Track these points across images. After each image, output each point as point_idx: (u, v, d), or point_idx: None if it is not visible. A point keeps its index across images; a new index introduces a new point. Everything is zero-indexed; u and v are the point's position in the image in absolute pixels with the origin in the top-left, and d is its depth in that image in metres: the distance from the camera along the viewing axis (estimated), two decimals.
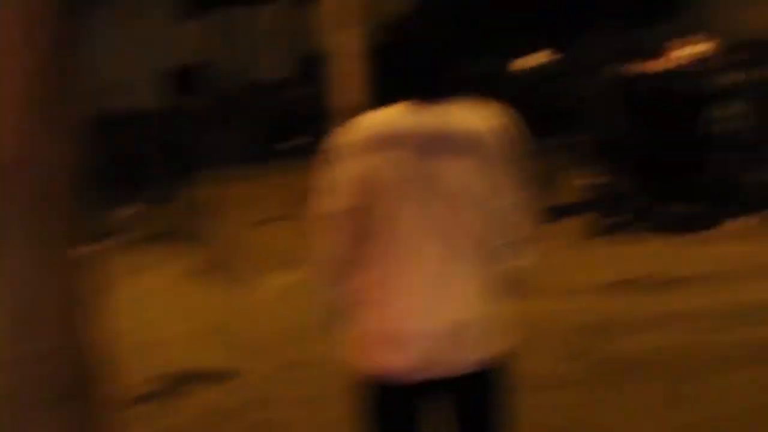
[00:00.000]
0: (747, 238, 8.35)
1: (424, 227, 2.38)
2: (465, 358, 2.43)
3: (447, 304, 2.41)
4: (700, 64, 9.72)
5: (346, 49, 9.21)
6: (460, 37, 2.46)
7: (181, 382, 5.39)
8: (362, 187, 2.41)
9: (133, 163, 13.87)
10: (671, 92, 9.30)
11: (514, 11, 21.99)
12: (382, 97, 2.46)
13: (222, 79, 18.96)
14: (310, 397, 4.89)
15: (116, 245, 9.30)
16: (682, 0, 29.69)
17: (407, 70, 2.44)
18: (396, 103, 2.44)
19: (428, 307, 2.40)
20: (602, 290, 7.04)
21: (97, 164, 2.56)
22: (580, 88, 10.84)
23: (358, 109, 4.12)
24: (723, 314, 5.93)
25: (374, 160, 2.40)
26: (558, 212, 10.06)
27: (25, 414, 2.50)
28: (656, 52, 10.30)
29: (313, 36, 12.01)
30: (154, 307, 7.36)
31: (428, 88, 2.41)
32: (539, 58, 10.28)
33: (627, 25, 23.36)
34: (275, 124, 17.22)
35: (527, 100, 10.11)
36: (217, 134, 16.85)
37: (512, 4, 22.86)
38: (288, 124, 16.85)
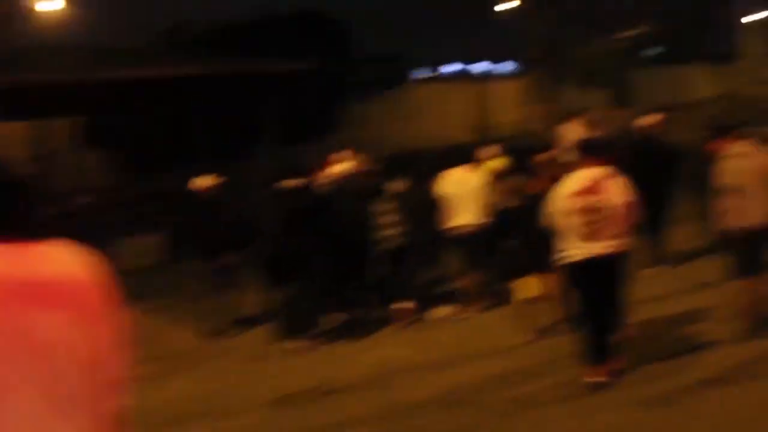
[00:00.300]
0: (410, 340, 8.88)
1: (13, 385, 2.11)
2: None
3: None
4: (355, 176, 10.33)
5: None
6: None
7: None
8: None
9: None
10: (330, 204, 9.76)
11: (185, 132, 22.32)
12: None
13: None
14: None
15: None
16: (336, 120, 32.09)
17: None
18: None
19: None
20: (271, 405, 7.09)
21: None
22: (248, 206, 11.06)
23: None
24: (381, 418, 6.22)
25: None
26: (237, 325, 10.11)
27: None
28: (314, 167, 10.84)
29: None
30: None
31: (5, 228, 2.17)
32: (209, 178, 10.32)
33: (290, 143, 24.65)
34: None
35: (202, 219, 10.14)
36: None
37: (181, 127, 23.21)
38: None
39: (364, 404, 6.76)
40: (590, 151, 7.02)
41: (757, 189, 7.43)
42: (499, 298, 9.67)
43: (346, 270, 9.76)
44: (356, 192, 9.77)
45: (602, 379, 6.73)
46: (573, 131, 13.82)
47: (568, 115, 15.27)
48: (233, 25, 31.99)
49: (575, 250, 6.82)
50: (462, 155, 10.22)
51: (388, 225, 9.67)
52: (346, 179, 9.97)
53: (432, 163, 10.11)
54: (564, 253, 6.94)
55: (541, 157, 9.63)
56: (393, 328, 9.33)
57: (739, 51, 56.49)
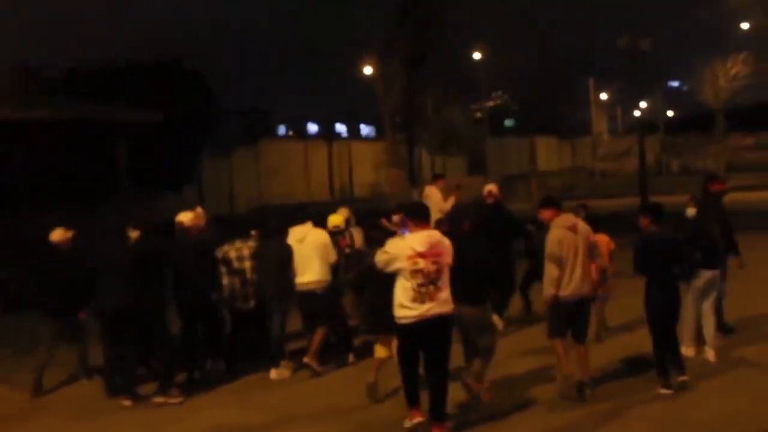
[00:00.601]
0: (242, 401, 8.83)
1: None
2: None
3: None
4: (200, 231, 10.19)
5: None
6: None
7: None
8: None
9: None
10: (170, 258, 9.54)
11: (33, 177, 21.55)
12: None
13: None
14: None
15: None
16: (195, 171, 31.77)
17: None
18: None
19: None
20: None
21: None
22: (97, 256, 10.73)
23: None
24: None
25: None
26: (77, 378, 9.76)
27: None
28: (167, 219, 10.61)
29: None
30: None
31: None
32: (63, 231, 9.94)
33: (146, 192, 24.23)
34: None
35: (55, 271, 9.74)
36: None
37: (30, 171, 22.38)
38: None
39: None
40: (418, 215, 7.30)
41: (577, 260, 7.96)
42: (345, 357, 9.79)
43: (189, 328, 9.62)
44: (200, 247, 9.66)
45: (419, 420, 7.20)
46: (434, 195, 14.44)
47: (433, 179, 15.80)
48: (89, 71, 31.31)
49: (407, 311, 7.06)
50: (315, 213, 10.36)
51: (237, 283, 9.64)
52: (190, 233, 9.84)
53: (285, 220, 10.15)
54: (398, 314, 7.16)
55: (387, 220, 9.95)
56: (231, 388, 9.22)
57: (588, 127, 59.97)
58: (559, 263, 7.91)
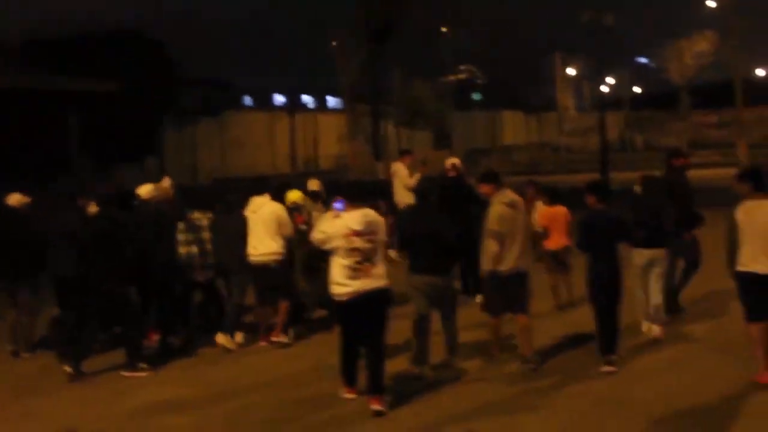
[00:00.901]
0: (180, 378, 8.74)
1: None
2: None
3: None
4: (160, 202, 9.97)
5: None
6: None
7: None
8: None
9: None
10: (128, 229, 9.33)
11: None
12: None
13: None
14: None
15: None
16: (157, 142, 31.41)
17: None
18: None
19: None
20: None
21: None
22: (51, 227, 10.52)
23: None
24: None
25: None
26: (27, 349, 9.64)
27: None
28: (124, 190, 10.40)
29: None
30: None
31: None
32: (19, 196, 9.80)
33: (99, 166, 23.88)
34: None
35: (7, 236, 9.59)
36: None
37: None
38: None
39: None
40: (354, 195, 7.37)
41: (515, 236, 8.00)
42: (296, 331, 9.70)
43: (143, 299, 9.47)
44: (158, 218, 9.47)
45: (352, 396, 7.36)
46: (400, 171, 14.67)
47: (400, 155, 15.92)
48: (48, 41, 30.70)
49: (342, 288, 7.15)
50: (275, 185, 10.20)
51: (194, 255, 9.49)
52: (150, 204, 9.65)
53: (246, 192, 10.00)
54: (334, 291, 7.26)
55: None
56: (183, 364, 9.08)
57: (555, 103, 60.09)
58: (499, 239, 7.94)
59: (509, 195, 8.22)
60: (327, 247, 7.27)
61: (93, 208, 9.55)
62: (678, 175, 9.79)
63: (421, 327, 8.00)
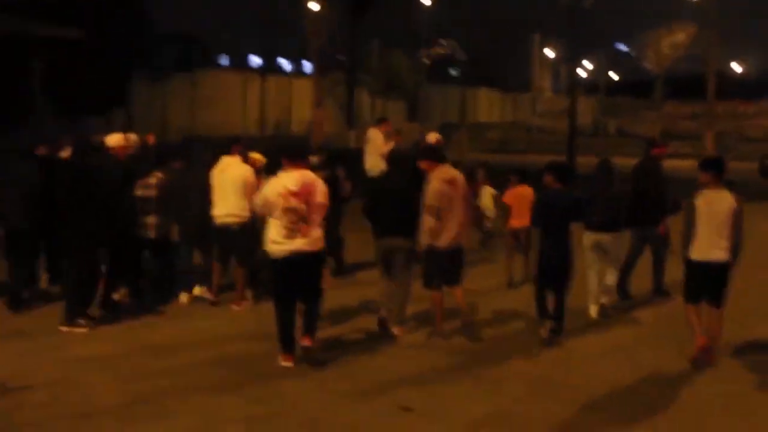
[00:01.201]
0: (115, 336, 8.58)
1: None
2: None
3: None
4: (122, 157, 9.73)
5: None
6: None
7: None
8: None
9: None
10: (87, 181, 9.08)
11: None
12: None
13: None
14: None
15: None
16: (117, 100, 30.79)
17: None
18: None
19: None
20: None
21: None
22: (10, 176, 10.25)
23: None
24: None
25: None
26: None
27: None
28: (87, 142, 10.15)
29: None
30: None
31: None
32: None
33: (63, 116, 23.38)
34: None
35: None
36: None
37: None
38: None
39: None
40: (293, 155, 7.36)
41: (453, 212, 7.99)
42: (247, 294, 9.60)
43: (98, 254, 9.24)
44: (126, 171, 9.23)
45: (289, 364, 7.29)
46: (377, 138, 14.71)
47: (377, 122, 15.89)
48: None
49: (278, 246, 7.21)
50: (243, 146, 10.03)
51: (152, 212, 9.28)
52: (119, 155, 9.41)
53: (213, 152, 9.82)
54: (270, 249, 7.30)
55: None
56: (130, 323, 8.91)
57: (531, 83, 60.04)
58: (437, 214, 7.96)
59: (448, 171, 8.21)
60: (265, 212, 7.32)
61: (66, 154, 9.41)
62: (654, 164, 9.98)
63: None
